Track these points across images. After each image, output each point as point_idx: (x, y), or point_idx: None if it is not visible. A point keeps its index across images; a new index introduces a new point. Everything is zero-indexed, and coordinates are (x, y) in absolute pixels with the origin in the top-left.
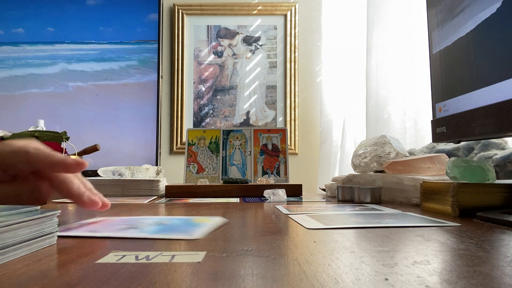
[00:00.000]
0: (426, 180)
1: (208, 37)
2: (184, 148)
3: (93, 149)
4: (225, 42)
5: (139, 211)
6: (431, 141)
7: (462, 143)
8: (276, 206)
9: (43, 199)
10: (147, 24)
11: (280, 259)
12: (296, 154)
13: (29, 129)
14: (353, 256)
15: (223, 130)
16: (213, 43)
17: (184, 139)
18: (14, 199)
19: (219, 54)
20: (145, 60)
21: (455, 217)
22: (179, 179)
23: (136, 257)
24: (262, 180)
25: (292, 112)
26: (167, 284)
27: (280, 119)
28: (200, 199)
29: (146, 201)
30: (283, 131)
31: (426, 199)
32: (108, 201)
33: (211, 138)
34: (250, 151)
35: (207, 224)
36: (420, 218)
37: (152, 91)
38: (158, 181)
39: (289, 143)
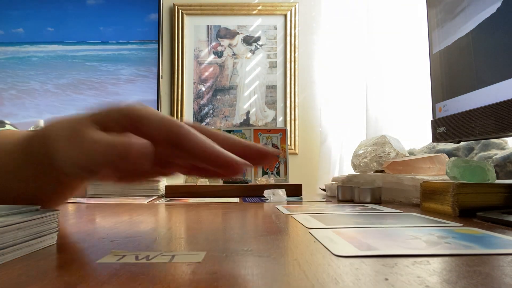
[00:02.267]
0: (426, 180)
1: (208, 37)
2: None
3: None
4: (225, 42)
5: (139, 211)
6: (431, 141)
7: (462, 143)
8: (276, 206)
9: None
10: (147, 24)
11: (280, 259)
12: (296, 154)
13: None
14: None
15: (223, 130)
16: (213, 43)
17: None
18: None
19: (219, 54)
20: (145, 60)
21: (455, 217)
22: (179, 179)
23: (136, 257)
24: (262, 180)
25: (292, 112)
26: (167, 284)
27: (280, 119)
28: (200, 199)
29: (146, 201)
30: (283, 131)
31: (426, 199)
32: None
33: None
34: None
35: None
36: (421, 218)
37: (152, 91)
38: (158, 181)
39: (289, 143)
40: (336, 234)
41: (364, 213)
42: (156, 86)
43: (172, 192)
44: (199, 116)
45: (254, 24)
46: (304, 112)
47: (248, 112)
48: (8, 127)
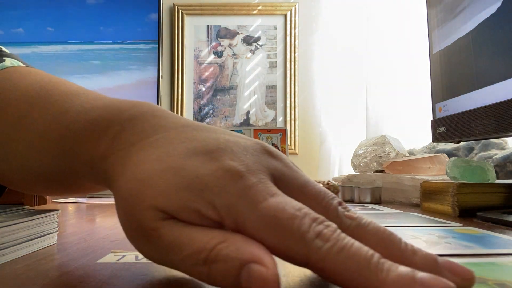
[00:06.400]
0: (426, 180)
1: (208, 37)
2: None
3: None
4: (225, 42)
5: None
6: (431, 141)
7: (462, 143)
8: None
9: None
10: (147, 24)
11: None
12: (296, 154)
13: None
14: None
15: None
16: (213, 43)
17: None
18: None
19: (219, 54)
20: (145, 60)
21: (455, 217)
22: None
23: (136, 257)
24: None
25: (292, 112)
26: (167, 284)
27: (280, 119)
28: None
29: None
30: (283, 131)
31: (426, 199)
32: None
33: None
34: None
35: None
36: (421, 218)
37: (152, 91)
38: None
39: (289, 143)
40: None
41: (364, 213)
42: (156, 86)
43: None
44: (199, 116)
45: (254, 24)
46: (304, 112)
47: (248, 112)
48: (8, 61)
